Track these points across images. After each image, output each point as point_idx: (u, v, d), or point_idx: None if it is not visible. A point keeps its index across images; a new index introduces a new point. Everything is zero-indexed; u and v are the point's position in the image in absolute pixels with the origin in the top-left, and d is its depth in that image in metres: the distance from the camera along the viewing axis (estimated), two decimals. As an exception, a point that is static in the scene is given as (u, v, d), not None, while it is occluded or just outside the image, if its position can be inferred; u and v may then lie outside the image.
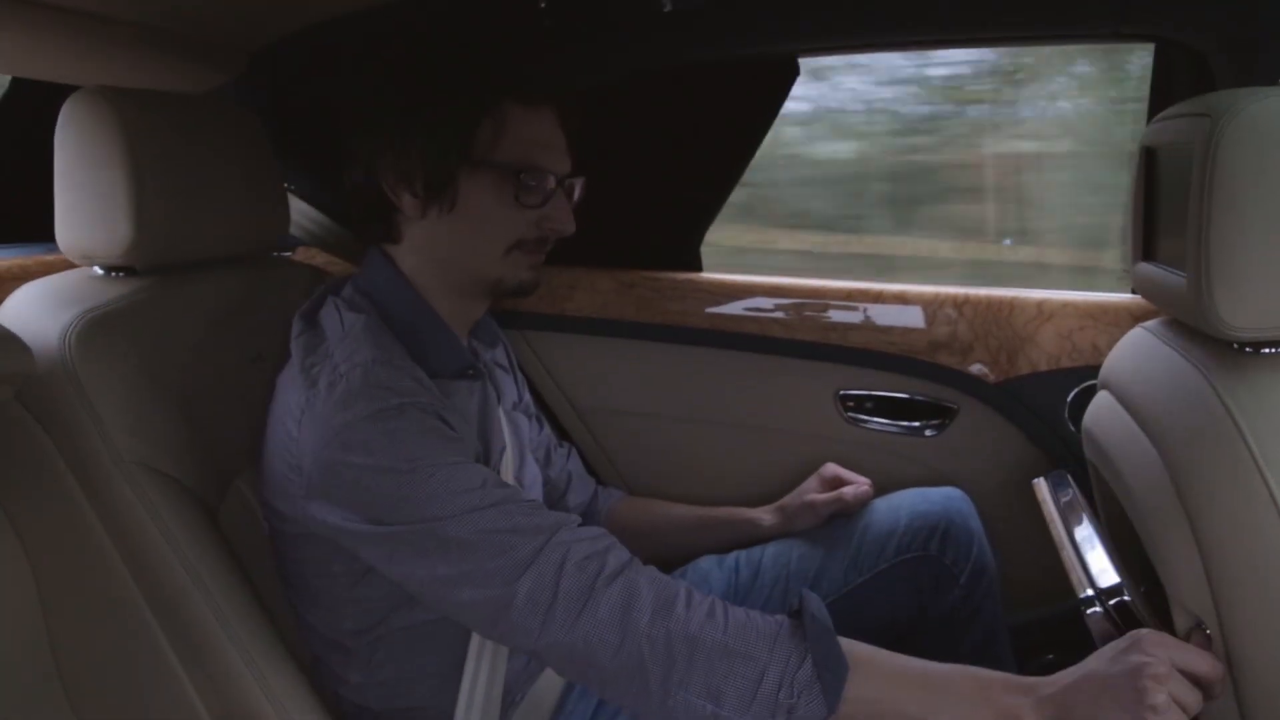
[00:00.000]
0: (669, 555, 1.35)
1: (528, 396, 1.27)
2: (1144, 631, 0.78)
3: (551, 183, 0.97)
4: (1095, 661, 0.78)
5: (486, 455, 1.00)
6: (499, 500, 0.84)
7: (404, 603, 0.92)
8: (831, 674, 0.79)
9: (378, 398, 0.84)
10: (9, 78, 1.60)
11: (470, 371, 1.01)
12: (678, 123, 1.52)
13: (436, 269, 0.99)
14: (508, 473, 1.05)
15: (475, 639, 0.97)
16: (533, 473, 1.16)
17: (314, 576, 0.93)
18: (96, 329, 0.92)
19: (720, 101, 1.48)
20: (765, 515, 1.29)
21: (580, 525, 0.86)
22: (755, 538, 1.28)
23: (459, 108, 0.93)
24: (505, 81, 0.95)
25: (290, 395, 0.89)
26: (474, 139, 0.93)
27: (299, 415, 0.86)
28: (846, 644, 0.82)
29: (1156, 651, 0.75)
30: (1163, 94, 1.29)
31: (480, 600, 0.81)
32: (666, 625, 0.80)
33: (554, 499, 1.28)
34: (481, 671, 0.97)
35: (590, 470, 1.56)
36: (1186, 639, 0.79)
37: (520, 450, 1.12)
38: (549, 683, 1.08)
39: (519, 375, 1.26)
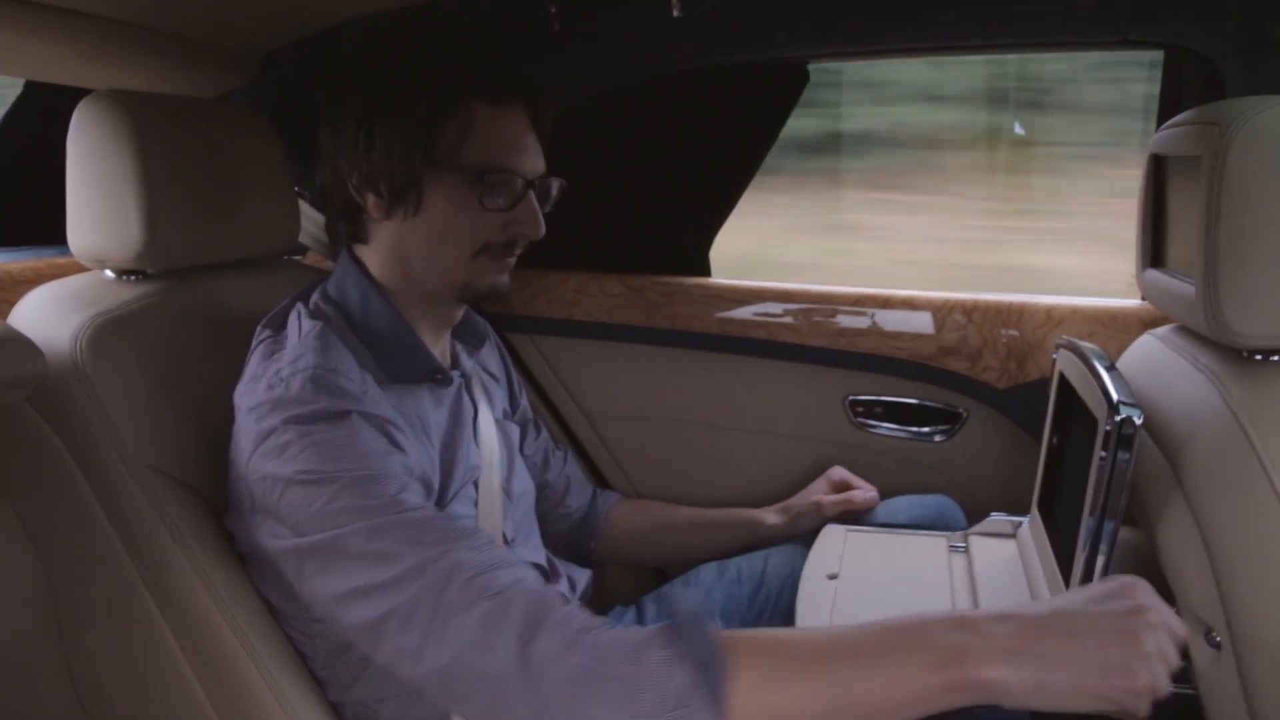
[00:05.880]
0: (670, 557, 1.35)
1: (524, 402, 1.26)
2: (1131, 577, 0.72)
3: (519, 185, 0.94)
4: (1070, 600, 0.71)
5: (450, 468, 0.97)
6: (406, 510, 0.78)
7: None
8: (711, 670, 0.69)
9: (310, 402, 0.82)
10: (23, 81, 1.61)
11: (438, 376, 0.99)
12: (687, 128, 1.52)
13: (403, 271, 0.97)
14: (492, 484, 1.03)
15: None
16: (523, 483, 1.14)
17: (279, 600, 0.92)
18: (108, 332, 0.92)
19: (730, 107, 1.48)
20: (770, 515, 1.29)
21: (489, 544, 0.79)
22: (758, 538, 1.27)
23: (423, 107, 0.90)
24: (471, 80, 0.91)
25: (240, 403, 0.87)
26: (438, 140, 0.90)
27: (239, 423, 0.85)
28: (742, 633, 0.73)
29: (1151, 600, 0.69)
30: (1172, 101, 1.29)
31: (366, 619, 0.76)
32: (530, 649, 0.71)
33: (553, 502, 1.27)
34: None
35: (599, 475, 1.57)
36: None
37: (510, 460, 1.10)
38: None
39: (515, 380, 1.25)
